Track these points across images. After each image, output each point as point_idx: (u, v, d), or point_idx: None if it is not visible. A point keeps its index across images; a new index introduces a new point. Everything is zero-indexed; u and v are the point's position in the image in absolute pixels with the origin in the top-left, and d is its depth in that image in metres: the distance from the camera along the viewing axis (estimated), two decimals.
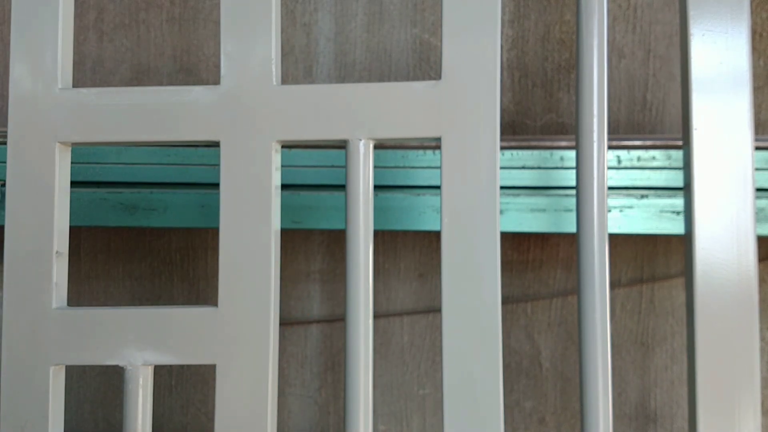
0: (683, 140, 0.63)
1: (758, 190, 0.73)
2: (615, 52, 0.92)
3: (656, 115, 0.92)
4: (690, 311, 0.61)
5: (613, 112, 0.91)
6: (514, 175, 0.78)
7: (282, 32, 0.58)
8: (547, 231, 0.77)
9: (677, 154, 0.77)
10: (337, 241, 0.96)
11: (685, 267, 0.63)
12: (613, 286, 0.92)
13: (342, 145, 0.58)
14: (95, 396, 0.99)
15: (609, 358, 0.59)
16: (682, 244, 0.91)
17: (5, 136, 0.60)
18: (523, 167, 0.78)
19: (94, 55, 0.97)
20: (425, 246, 0.95)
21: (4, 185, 0.62)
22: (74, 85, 0.60)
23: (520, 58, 0.93)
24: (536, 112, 0.93)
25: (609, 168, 0.76)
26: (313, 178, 0.80)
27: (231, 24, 0.58)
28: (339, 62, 0.95)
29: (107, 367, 0.57)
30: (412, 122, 0.56)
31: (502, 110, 0.91)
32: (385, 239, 0.95)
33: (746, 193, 0.60)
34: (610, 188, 0.76)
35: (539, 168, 0.78)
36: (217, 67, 0.90)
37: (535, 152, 0.78)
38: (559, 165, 0.78)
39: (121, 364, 0.57)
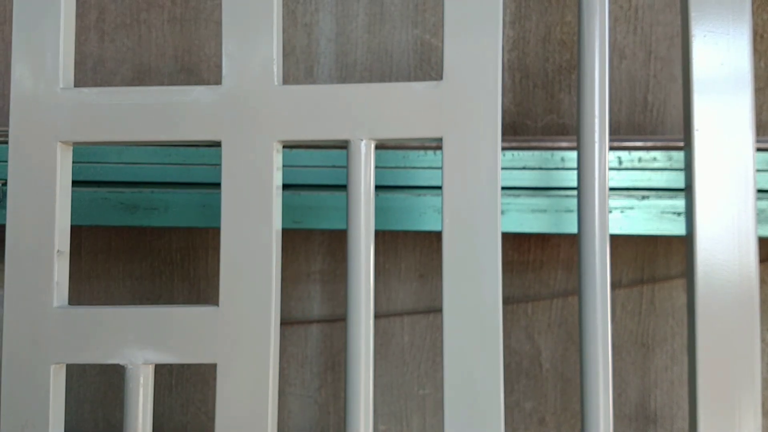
0: (684, 141, 0.63)
1: (759, 191, 0.73)
2: (616, 53, 0.92)
3: (657, 116, 0.92)
4: (691, 312, 0.61)
5: (614, 113, 0.91)
6: (515, 175, 0.78)
7: (283, 32, 0.58)
8: (548, 232, 0.77)
9: (678, 155, 0.77)
10: (337, 241, 0.96)
11: (686, 268, 0.63)
12: (613, 286, 0.92)
13: (343, 146, 0.58)
14: (95, 395, 0.99)
15: (610, 358, 0.59)
16: (683, 245, 0.91)
17: (6, 136, 0.60)
18: (524, 168, 0.79)
19: (96, 55, 0.97)
20: (426, 246, 0.95)
21: (5, 184, 0.62)
22: (75, 85, 0.60)
23: (521, 59, 0.93)
24: (537, 113, 0.93)
25: (610, 169, 0.76)
26: (314, 178, 0.80)
27: (232, 24, 0.58)
28: (340, 63, 0.95)
29: (107, 366, 0.57)
30: (413, 123, 0.56)
31: (503, 111, 0.91)
32: (385, 239, 0.95)
33: (747, 195, 0.60)
34: (611, 189, 0.76)
35: (540, 169, 0.78)
36: (219, 67, 0.90)
37: (536, 153, 0.78)
38: (560, 166, 0.78)
39: (121, 363, 0.57)
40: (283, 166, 0.65)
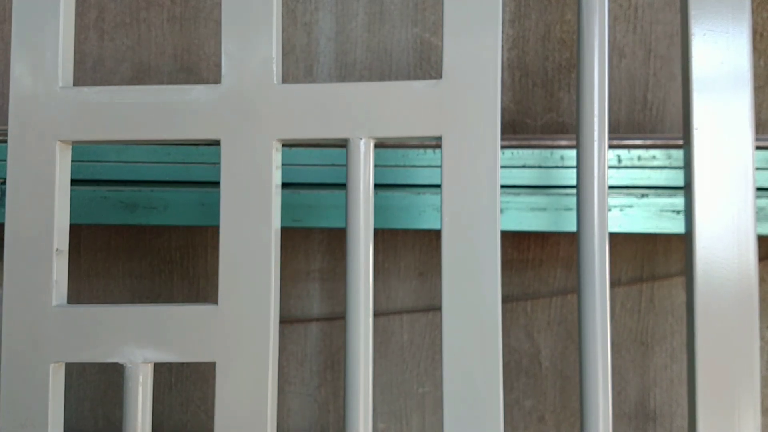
0: (684, 140, 0.63)
1: (759, 189, 0.73)
2: (616, 52, 0.92)
3: (656, 115, 0.92)
4: (690, 310, 0.61)
5: (613, 111, 0.91)
6: (514, 174, 0.78)
7: (283, 31, 0.58)
8: (547, 230, 0.77)
9: (677, 154, 0.77)
10: (337, 239, 0.96)
11: (685, 266, 0.63)
12: (612, 285, 0.92)
13: (342, 144, 0.58)
14: (95, 393, 0.99)
15: (609, 357, 0.59)
16: (682, 243, 0.91)
17: (6, 135, 0.60)
18: (524, 166, 0.79)
19: (95, 53, 0.97)
20: (425, 245, 0.95)
21: (4, 183, 0.62)
22: (75, 84, 0.60)
23: (521, 57, 0.93)
24: (537, 112, 0.93)
25: (609, 167, 0.76)
26: (313, 177, 0.80)
27: (232, 23, 0.58)
28: (340, 61, 0.95)
29: (107, 364, 0.57)
30: (412, 121, 0.56)
31: (503, 109, 0.91)
32: (385, 238, 0.95)
33: (747, 193, 0.60)
34: (611, 187, 0.76)
35: (539, 167, 0.78)
36: (218, 66, 0.90)
37: (536, 151, 0.78)
38: (560, 164, 0.78)
39: (121, 361, 0.57)
40: (283, 164, 0.65)
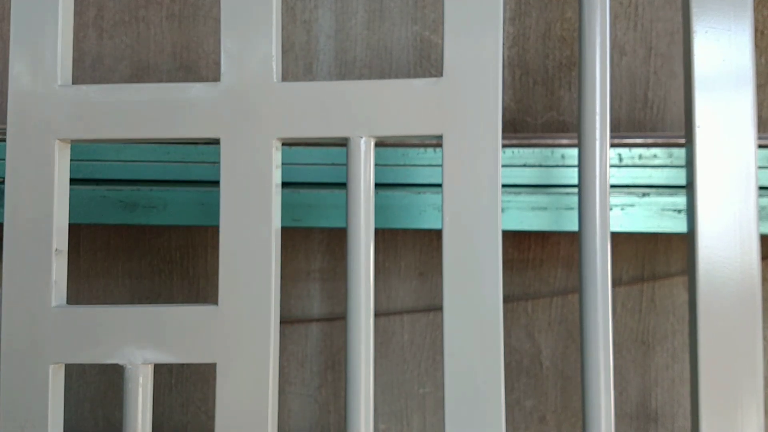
0: (686, 138, 0.63)
1: (761, 188, 0.73)
2: (616, 50, 0.91)
3: (657, 113, 0.91)
4: (692, 310, 0.61)
5: (614, 109, 0.91)
6: (515, 173, 0.78)
7: (282, 29, 0.58)
8: (548, 229, 0.77)
9: (678, 152, 0.77)
10: (337, 239, 0.95)
11: (687, 265, 0.63)
12: (614, 284, 0.91)
13: (342, 143, 0.58)
14: (95, 394, 0.99)
15: (610, 356, 0.59)
16: (683, 242, 0.90)
17: (4, 133, 0.60)
18: (524, 165, 0.78)
19: (94, 52, 0.97)
20: (426, 244, 0.95)
21: (2, 182, 0.62)
22: (74, 82, 0.60)
23: (521, 55, 0.93)
24: (537, 110, 0.93)
25: (610, 166, 0.75)
26: (313, 176, 0.80)
27: (231, 21, 0.58)
28: (339, 59, 0.94)
29: (107, 365, 0.57)
30: (413, 120, 0.56)
31: (503, 108, 0.91)
32: (385, 237, 0.95)
33: (749, 192, 0.60)
34: (612, 186, 0.76)
35: (540, 166, 0.78)
36: (217, 64, 0.89)
37: (536, 150, 0.78)
38: (560, 163, 0.78)
39: (120, 362, 0.57)
40: (283, 163, 0.64)
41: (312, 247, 0.96)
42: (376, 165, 0.58)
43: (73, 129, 0.58)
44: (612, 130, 0.86)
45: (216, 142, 0.58)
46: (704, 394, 0.59)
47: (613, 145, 0.77)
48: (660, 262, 0.92)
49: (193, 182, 0.80)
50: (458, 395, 0.55)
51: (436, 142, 0.78)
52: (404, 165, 0.79)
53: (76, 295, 0.98)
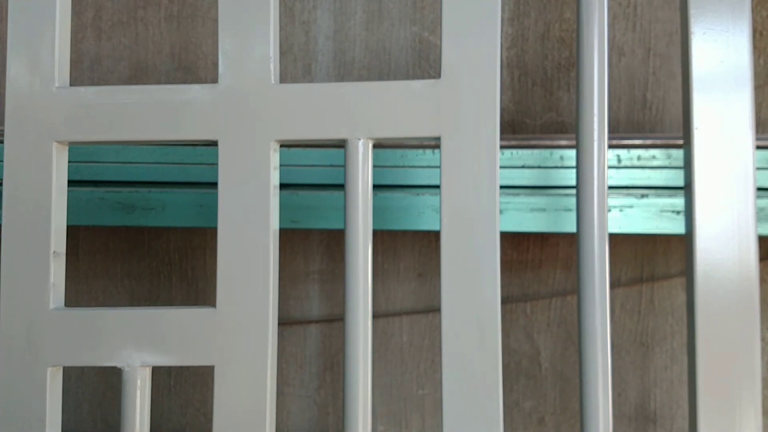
0: (684, 139, 0.63)
1: (759, 189, 0.73)
2: (615, 51, 0.91)
3: (656, 114, 0.91)
4: (690, 311, 0.61)
5: (613, 110, 0.91)
6: (513, 174, 0.78)
7: (280, 30, 0.58)
8: (547, 231, 0.77)
9: (677, 153, 0.77)
10: (336, 240, 0.95)
11: (685, 266, 0.63)
12: (612, 285, 0.91)
13: (341, 145, 0.58)
14: (94, 396, 0.99)
15: (609, 358, 0.58)
16: (682, 243, 0.90)
17: (2, 135, 0.59)
18: (523, 166, 0.78)
19: (92, 53, 0.97)
20: (424, 246, 0.94)
21: (0, 184, 0.62)
22: (72, 84, 0.60)
23: (520, 56, 0.93)
24: (536, 111, 0.93)
25: (609, 167, 0.75)
26: (311, 178, 0.80)
27: (229, 22, 0.58)
28: (338, 61, 0.94)
29: (106, 367, 0.57)
30: (411, 121, 0.56)
31: (502, 109, 0.91)
32: (384, 239, 0.95)
33: (747, 193, 0.60)
34: (610, 188, 0.76)
35: (539, 167, 0.78)
36: (216, 65, 0.89)
37: (535, 151, 0.78)
38: (559, 164, 0.78)
39: (119, 365, 0.57)
40: (281, 165, 0.64)
41: (311, 248, 0.96)
42: (374, 166, 0.58)
43: (71, 131, 0.58)
44: (610, 131, 0.86)
45: (214, 143, 0.58)
46: (702, 395, 0.59)
47: (611, 146, 0.77)
48: (659, 263, 0.92)
49: (191, 184, 0.80)
50: (457, 397, 0.55)
51: (434, 143, 0.78)
52: (403, 166, 0.79)
53: (75, 296, 0.98)
